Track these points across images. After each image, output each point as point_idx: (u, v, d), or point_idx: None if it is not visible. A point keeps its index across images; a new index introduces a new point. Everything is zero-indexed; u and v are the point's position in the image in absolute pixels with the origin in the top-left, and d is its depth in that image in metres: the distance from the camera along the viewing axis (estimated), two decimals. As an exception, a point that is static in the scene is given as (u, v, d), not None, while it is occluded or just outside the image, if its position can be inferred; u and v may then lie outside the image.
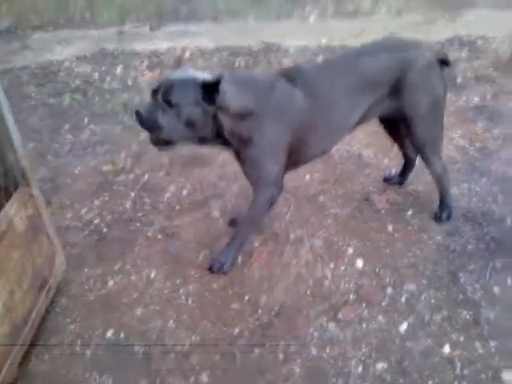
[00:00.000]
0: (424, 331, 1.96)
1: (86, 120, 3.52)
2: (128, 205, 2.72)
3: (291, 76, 2.13)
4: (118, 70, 4.23)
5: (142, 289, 2.22)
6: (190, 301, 2.16)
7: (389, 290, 2.16)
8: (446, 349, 1.89)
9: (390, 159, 3.01)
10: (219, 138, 2.05)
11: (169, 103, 1.91)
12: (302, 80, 2.12)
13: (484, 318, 2.00)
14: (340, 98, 2.18)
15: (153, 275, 2.28)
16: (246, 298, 2.16)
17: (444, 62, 2.31)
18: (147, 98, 2.21)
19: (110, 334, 2.02)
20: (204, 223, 2.57)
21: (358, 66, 2.19)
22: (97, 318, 2.08)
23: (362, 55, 2.25)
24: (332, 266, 2.31)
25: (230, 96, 1.96)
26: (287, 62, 4.24)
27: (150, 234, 2.52)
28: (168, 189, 2.84)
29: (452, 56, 3.69)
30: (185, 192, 2.81)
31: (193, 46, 4.61)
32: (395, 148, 2.84)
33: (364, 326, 2.01)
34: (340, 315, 2.05)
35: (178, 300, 2.16)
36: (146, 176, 2.95)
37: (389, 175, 2.87)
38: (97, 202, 2.75)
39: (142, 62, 4.34)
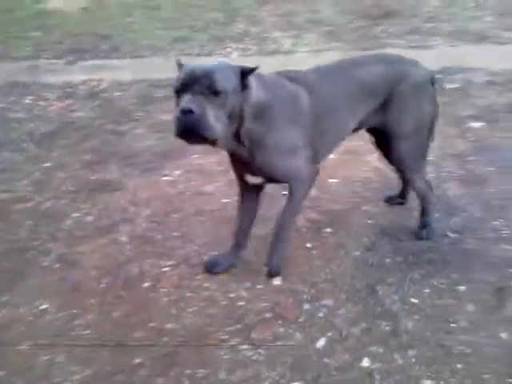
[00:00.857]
0: (342, 346, 1.83)
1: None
2: (23, 233, 2.45)
3: (292, 77, 2.08)
4: (27, 100, 4.00)
5: (30, 322, 1.94)
6: (86, 332, 1.91)
7: (306, 306, 2.03)
8: (365, 362, 1.76)
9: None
10: (234, 137, 1.87)
11: (215, 92, 1.67)
12: (304, 81, 2.08)
13: (403, 329, 1.90)
14: (340, 102, 2.15)
15: (44, 306, 2.02)
16: (151, 325, 1.94)
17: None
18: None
19: (-14, 373, 1.72)
20: (109, 249, 2.35)
21: (357, 72, 2.20)
22: (-28, 357, 1.78)
23: (363, 63, 2.26)
24: (248, 285, 2.15)
25: (253, 85, 1.84)
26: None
27: (45, 263, 2.26)
28: (70, 216, 2.60)
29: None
30: (90, 218, 2.59)
31: (110, 78, 4.48)
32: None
33: (279, 343, 1.85)
34: (253, 335, 1.89)
35: (72, 332, 1.91)
36: (48, 203, 2.70)
37: (389, 195, 2.78)
38: (-12, 232, 2.46)
39: (53, 93, 4.13)
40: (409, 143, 2.26)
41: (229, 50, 5.68)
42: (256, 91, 1.87)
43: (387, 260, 2.30)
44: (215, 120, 1.67)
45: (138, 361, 1.78)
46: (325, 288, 2.14)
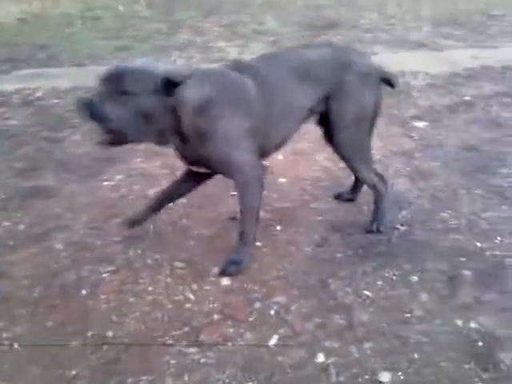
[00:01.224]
0: (295, 342, 1.74)
1: None
2: None
3: (238, 67, 2.11)
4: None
5: (-50, 338, 1.73)
6: (15, 345, 1.71)
7: (257, 305, 1.93)
8: (320, 357, 1.68)
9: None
10: (177, 134, 1.92)
11: (122, 91, 1.75)
12: (250, 70, 2.09)
13: (357, 321, 1.84)
14: (287, 87, 2.12)
15: (-33, 321, 1.81)
16: (90, 333, 1.78)
17: (388, 82, 2.30)
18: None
19: None
20: (42, 258, 2.16)
21: (304, 56, 2.21)
22: None
23: (310, 48, 2.30)
24: (195, 287, 2.03)
25: (190, 90, 1.87)
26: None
27: (-29, 274, 2.04)
28: (1, 225, 2.38)
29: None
30: (21, 227, 2.38)
31: (47, 86, 4.26)
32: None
33: (229, 344, 1.73)
34: (202, 337, 1.76)
35: (-2, 347, 1.71)
36: (-25, 213, 2.47)
37: (339, 192, 2.74)
38: None
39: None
40: (349, 132, 2.25)
41: (172, 58, 5.57)
42: (195, 91, 1.90)
43: (338, 255, 2.25)
44: (119, 116, 1.76)
45: (74, 372, 1.61)
46: (276, 285, 2.05)
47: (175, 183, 2.30)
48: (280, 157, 3.18)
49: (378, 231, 2.39)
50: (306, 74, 2.16)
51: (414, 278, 2.07)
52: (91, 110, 1.75)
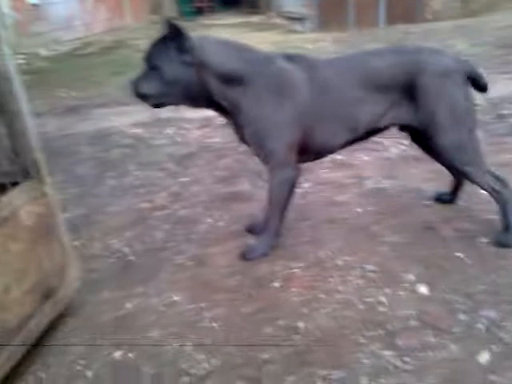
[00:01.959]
0: (512, 361, 1.48)
1: (131, 168, 3.48)
2: (160, 236, 2.51)
3: (293, 58, 2.09)
4: (169, 130, 4.29)
5: (161, 311, 1.91)
6: (214, 324, 1.82)
7: (461, 317, 1.71)
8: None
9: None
10: (213, 101, 2.03)
11: (151, 67, 1.95)
12: (306, 64, 2.07)
13: None
14: (346, 91, 2.06)
15: (176, 298, 1.98)
16: (281, 322, 1.79)
17: (476, 83, 2.10)
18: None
19: (117, 354, 1.70)
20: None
21: (366, 63, 2.09)
22: (106, 338, 1.78)
23: (372, 55, 2.15)
24: (388, 291, 1.90)
25: (211, 54, 1.96)
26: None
27: (179, 261, 2.26)
28: (204, 221, 2.61)
29: None
30: (221, 223, 2.57)
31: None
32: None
33: (431, 354, 1.55)
34: (398, 341, 1.62)
35: (200, 323, 1.83)
36: (183, 211, 2.75)
37: (438, 193, 2.57)
38: (128, 234, 2.55)
39: (193, 124, 4.40)
40: (449, 135, 2.04)
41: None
42: (219, 56, 1.96)
43: None
44: (155, 90, 1.97)
45: (266, 356, 1.62)
46: (484, 299, 1.80)
47: None
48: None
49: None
50: (368, 82, 2.04)
51: None
52: (132, 89, 2.00)
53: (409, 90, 2.04)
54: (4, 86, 1.61)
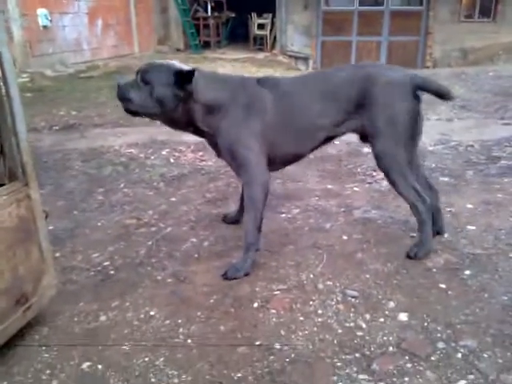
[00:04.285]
0: (490, 391, 1.44)
1: (121, 185, 3.48)
2: (143, 252, 2.48)
3: (262, 81, 2.28)
4: (164, 152, 4.31)
5: (136, 325, 1.87)
6: (189, 341, 1.77)
7: (440, 345, 1.68)
8: (523, 415, 1.35)
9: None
10: (192, 125, 2.21)
11: (144, 81, 2.09)
12: (272, 83, 2.27)
13: None
14: (307, 103, 2.24)
15: (152, 313, 1.94)
16: (258, 342, 1.75)
17: (435, 93, 2.23)
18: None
19: (85, 366, 1.65)
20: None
21: (326, 78, 2.32)
22: (76, 349, 1.73)
23: (332, 70, 2.40)
24: (368, 317, 1.87)
25: (200, 89, 2.13)
26: None
27: (159, 277, 2.23)
28: (189, 240, 2.59)
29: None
30: (206, 243, 2.55)
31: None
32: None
33: (407, 380, 1.52)
34: (375, 366, 1.58)
35: (174, 339, 1.78)
36: (169, 229, 2.73)
37: None
38: (111, 249, 2.52)
39: (187, 147, 4.43)
40: (382, 143, 2.20)
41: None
42: (207, 89, 2.15)
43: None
44: (138, 100, 2.10)
45: (239, 375, 1.58)
46: (464, 329, 1.77)
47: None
48: (469, 205, 2.88)
49: (420, 258, 2.27)
50: (328, 92, 2.22)
51: None
52: (119, 89, 2.13)
53: (363, 99, 2.19)
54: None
